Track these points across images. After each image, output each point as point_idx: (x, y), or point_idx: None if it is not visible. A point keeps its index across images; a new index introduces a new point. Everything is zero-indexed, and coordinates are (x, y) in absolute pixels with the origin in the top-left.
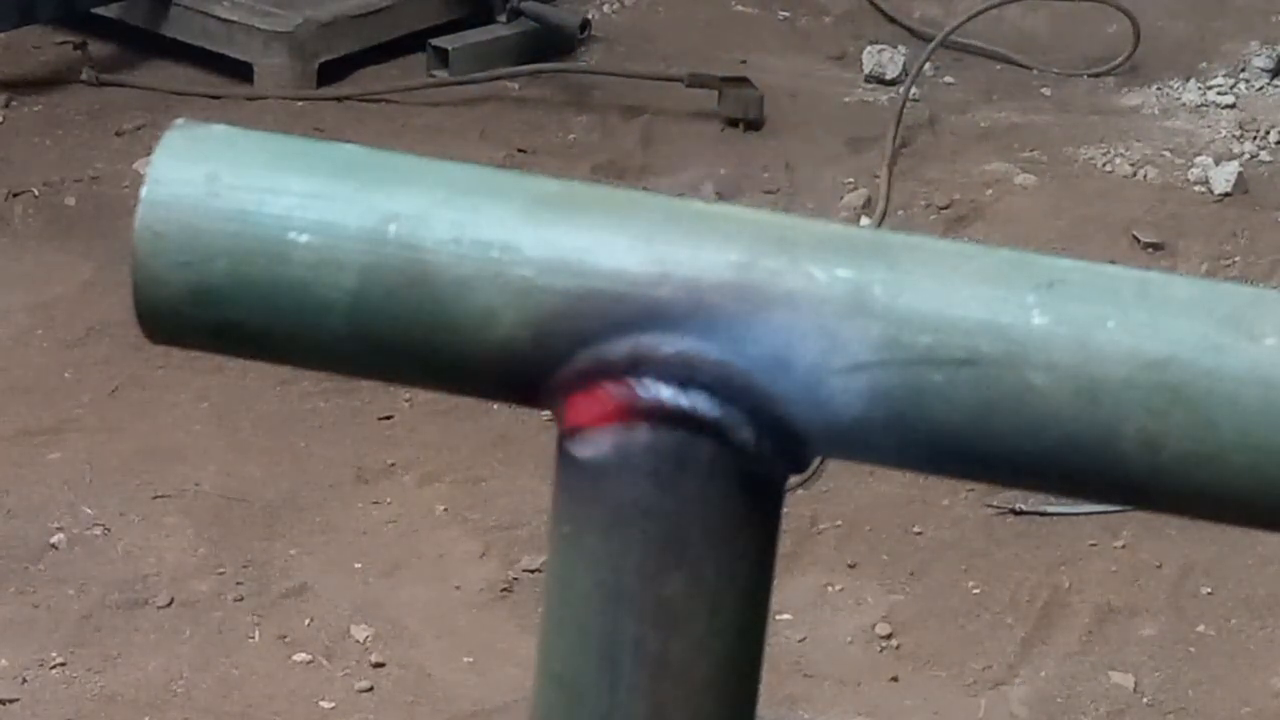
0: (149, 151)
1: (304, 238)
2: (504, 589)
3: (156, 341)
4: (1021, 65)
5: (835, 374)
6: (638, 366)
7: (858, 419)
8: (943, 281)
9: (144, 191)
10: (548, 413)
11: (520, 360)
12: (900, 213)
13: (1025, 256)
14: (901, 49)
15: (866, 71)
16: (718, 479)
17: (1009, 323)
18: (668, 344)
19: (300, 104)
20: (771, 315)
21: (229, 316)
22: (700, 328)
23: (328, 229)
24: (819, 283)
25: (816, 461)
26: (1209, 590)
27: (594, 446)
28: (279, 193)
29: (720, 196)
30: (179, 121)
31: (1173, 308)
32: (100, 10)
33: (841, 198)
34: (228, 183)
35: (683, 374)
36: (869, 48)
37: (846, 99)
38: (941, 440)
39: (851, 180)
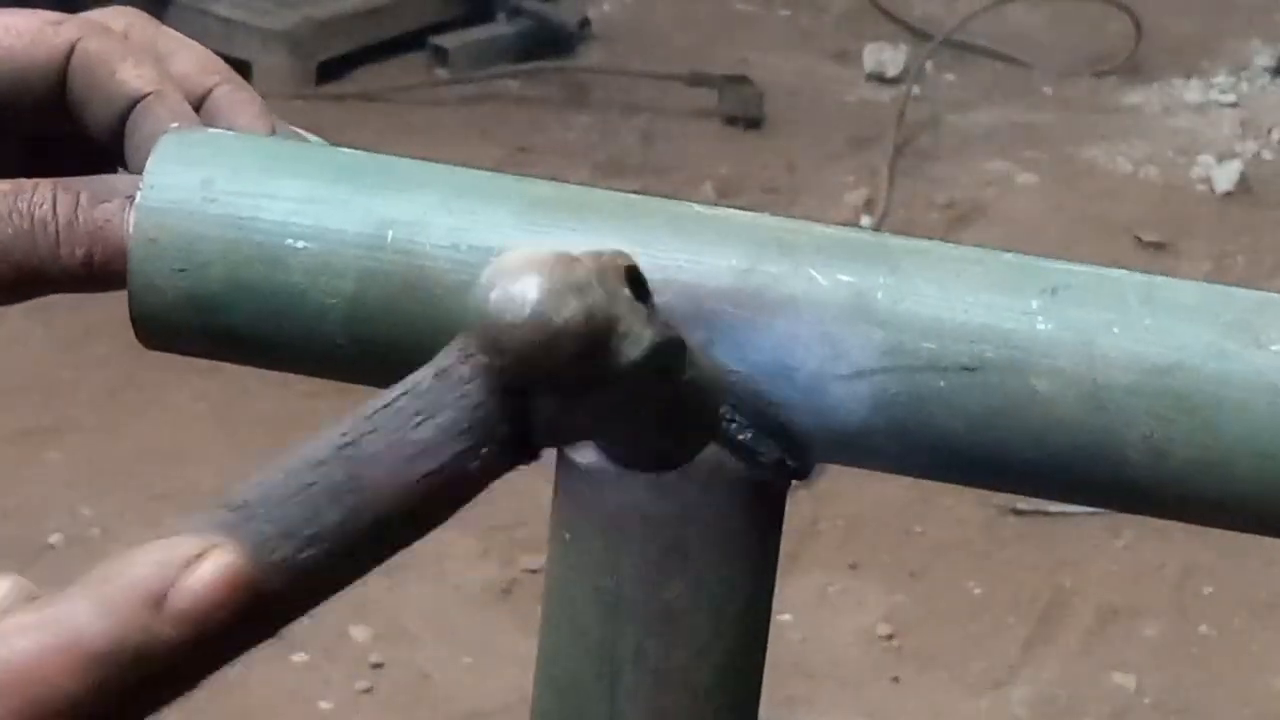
0: None
1: (301, 244)
2: (504, 589)
3: (152, 348)
4: (1023, 64)
5: (838, 380)
6: None
7: (861, 426)
8: (946, 286)
9: (139, 198)
10: None
11: None
12: (901, 211)
13: (1029, 261)
14: (903, 47)
15: (867, 70)
16: (719, 485)
17: (1013, 328)
18: None
19: (299, 103)
20: (773, 321)
21: (225, 323)
22: (701, 333)
23: (325, 235)
24: (821, 288)
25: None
26: (1211, 591)
27: (594, 452)
28: (275, 198)
29: (720, 196)
30: (174, 125)
31: (1178, 313)
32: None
33: (842, 196)
34: (224, 188)
35: None
36: (870, 46)
37: (847, 97)
38: (945, 447)
39: (852, 179)
